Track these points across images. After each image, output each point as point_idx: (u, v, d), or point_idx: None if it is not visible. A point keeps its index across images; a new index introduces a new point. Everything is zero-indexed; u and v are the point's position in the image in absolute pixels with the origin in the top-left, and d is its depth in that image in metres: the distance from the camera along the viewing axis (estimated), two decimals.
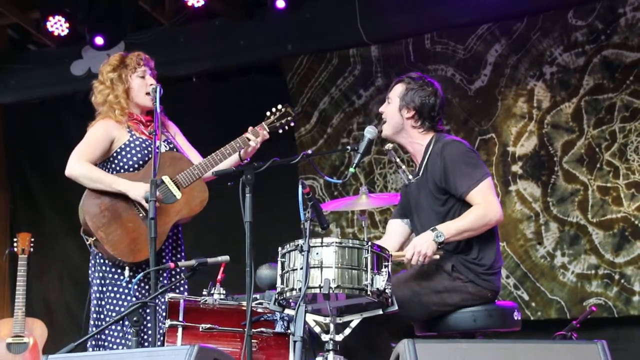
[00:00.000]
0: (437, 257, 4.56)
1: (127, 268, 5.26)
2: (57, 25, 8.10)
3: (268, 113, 5.58)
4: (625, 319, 7.16)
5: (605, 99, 7.35)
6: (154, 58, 5.61)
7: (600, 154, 7.32)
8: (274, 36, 8.39)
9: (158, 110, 5.12)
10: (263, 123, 5.53)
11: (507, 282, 7.49)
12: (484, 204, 4.60)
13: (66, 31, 8.13)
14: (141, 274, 4.95)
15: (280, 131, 5.59)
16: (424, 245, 4.51)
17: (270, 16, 8.14)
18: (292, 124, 5.64)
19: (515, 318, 4.75)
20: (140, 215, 5.24)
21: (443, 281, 4.64)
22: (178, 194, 5.29)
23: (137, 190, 5.20)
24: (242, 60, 8.73)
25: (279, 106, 5.60)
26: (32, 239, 7.93)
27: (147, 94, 5.37)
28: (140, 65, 5.47)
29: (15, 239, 7.96)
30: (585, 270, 7.31)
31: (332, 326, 4.21)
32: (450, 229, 4.56)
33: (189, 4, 7.88)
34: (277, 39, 8.42)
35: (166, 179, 5.25)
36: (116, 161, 5.36)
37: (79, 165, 5.29)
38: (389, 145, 5.03)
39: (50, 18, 8.08)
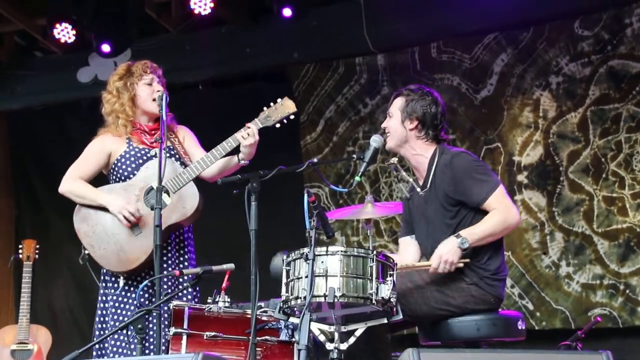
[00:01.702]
0: (461, 265, 4.58)
1: (121, 278, 5.30)
2: (64, 32, 8.11)
3: (265, 108, 5.46)
4: (630, 329, 7.15)
5: (611, 109, 7.35)
6: (161, 66, 5.62)
7: (606, 164, 7.31)
8: (280, 44, 8.39)
9: (164, 117, 5.12)
10: (256, 119, 5.43)
11: (512, 291, 7.48)
12: (501, 209, 4.62)
13: (73, 38, 8.13)
14: (146, 281, 4.95)
15: (278, 125, 5.49)
16: (449, 253, 4.54)
17: (276, 24, 8.14)
18: (291, 117, 5.50)
19: (520, 327, 4.74)
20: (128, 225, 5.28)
21: (447, 280, 4.64)
22: (167, 200, 5.28)
23: (115, 204, 5.26)
24: (247, 68, 8.73)
25: (278, 100, 5.51)
26: (37, 246, 7.93)
27: (154, 100, 5.38)
28: (147, 72, 5.49)
29: (20, 246, 7.97)
30: (590, 280, 7.30)
31: (336, 335, 4.20)
32: (474, 234, 4.58)
33: (196, 11, 7.88)
34: (283, 46, 8.42)
35: (155, 185, 5.24)
36: (114, 172, 5.45)
37: (67, 182, 5.44)
38: (394, 159, 5.02)
39: (57, 25, 8.09)
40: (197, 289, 5.34)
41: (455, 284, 4.65)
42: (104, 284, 5.38)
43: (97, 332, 5.32)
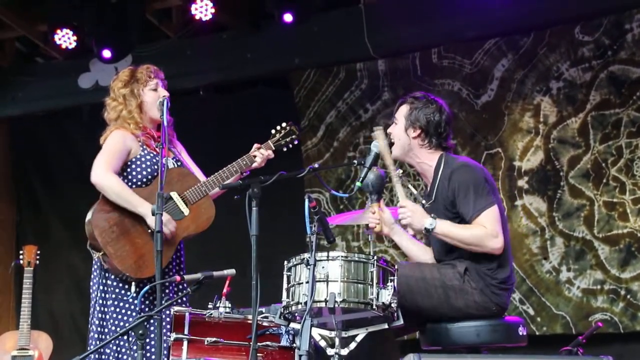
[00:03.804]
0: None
1: (133, 284, 5.25)
2: (65, 38, 8.12)
3: (273, 131, 5.61)
4: (631, 334, 7.14)
5: (611, 114, 7.35)
6: (162, 69, 5.62)
7: (607, 169, 7.31)
8: (281, 49, 8.40)
9: (165, 122, 5.08)
10: (269, 141, 5.55)
11: (513, 296, 7.46)
12: (489, 229, 4.60)
13: (74, 44, 8.15)
14: (147, 286, 4.93)
15: (285, 149, 5.63)
16: (415, 216, 4.63)
17: (277, 29, 8.15)
18: (296, 142, 5.67)
19: (521, 333, 4.73)
20: (149, 231, 5.22)
21: (453, 280, 4.64)
22: (186, 211, 5.30)
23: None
24: (248, 73, 8.74)
25: (284, 124, 5.64)
26: (38, 252, 7.93)
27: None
28: (152, 78, 5.46)
29: (21, 251, 7.97)
30: (591, 286, 7.30)
31: (337, 340, 4.21)
32: (444, 228, 4.62)
33: (197, 17, 7.90)
34: (284, 52, 8.43)
35: (174, 195, 5.25)
36: (125, 173, 5.37)
37: (107, 175, 5.26)
38: (399, 171, 5.03)
39: (58, 31, 8.10)
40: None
41: (460, 284, 4.64)
42: (105, 287, 5.33)
43: (98, 337, 5.29)
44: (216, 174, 5.40)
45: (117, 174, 5.31)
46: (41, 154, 9.88)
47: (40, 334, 7.83)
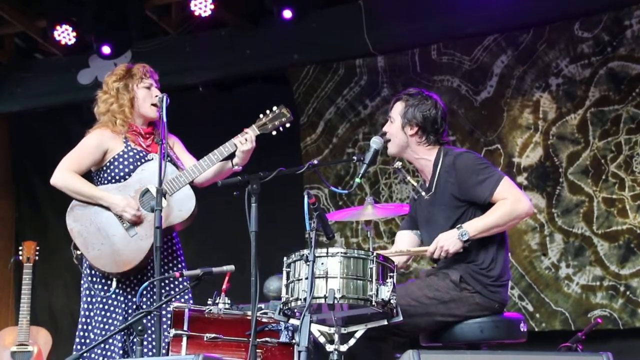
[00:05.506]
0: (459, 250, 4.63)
1: (114, 280, 5.25)
2: (64, 34, 8.13)
3: (261, 115, 5.53)
4: (630, 331, 7.15)
5: (611, 110, 7.35)
6: (157, 71, 5.60)
7: (606, 165, 7.31)
8: (280, 46, 8.40)
9: (165, 119, 5.09)
10: (253, 125, 5.48)
11: (512, 293, 7.47)
12: (510, 199, 4.61)
13: (73, 40, 8.15)
14: (147, 282, 4.93)
15: (274, 132, 5.51)
16: (447, 242, 4.58)
17: (276, 26, 8.14)
18: (287, 125, 5.57)
19: (522, 329, 4.74)
20: (124, 225, 5.23)
21: (450, 291, 4.63)
22: (163, 202, 5.26)
23: (119, 203, 5.22)
24: (248, 70, 8.73)
25: (274, 107, 5.55)
26: (38, 248, 7.94)
27: (153, 105, 5.37)
28: (147, 76, 5.46)
29: (20, 247, 7.97)
30: (590, 282, 7.30)
31: (336, 336, 4.21)
32: (477, 226, 4.59)
33: (196, 13, 7.90)
34: (283, 48, 8.42)
35: (152, 187, 5.22)
36: (108, 171, 5.37)
37: (64, 175, 5.35)
38: (397, 163, 5.03)
39: (58, 27, 8.10)
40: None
41: (458, 294, 4.64)
42: (91, 285, 5.33)
43: (82, 334, 5.28)
44: (196, 162, 5.36)
45: (85, 172, 5.36)
46: (40, 150, 9.87)
47: (39, 329, 7.84)
